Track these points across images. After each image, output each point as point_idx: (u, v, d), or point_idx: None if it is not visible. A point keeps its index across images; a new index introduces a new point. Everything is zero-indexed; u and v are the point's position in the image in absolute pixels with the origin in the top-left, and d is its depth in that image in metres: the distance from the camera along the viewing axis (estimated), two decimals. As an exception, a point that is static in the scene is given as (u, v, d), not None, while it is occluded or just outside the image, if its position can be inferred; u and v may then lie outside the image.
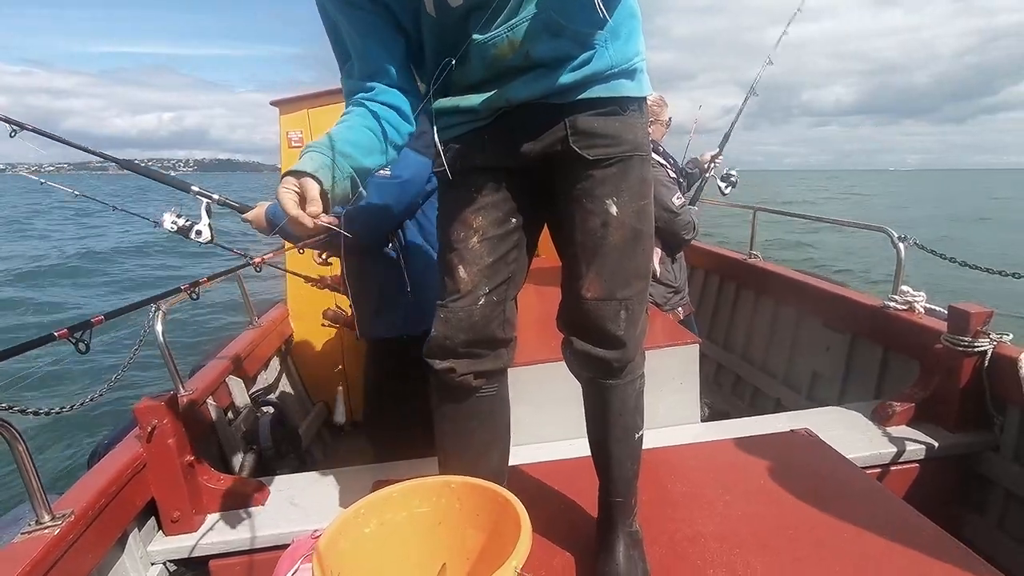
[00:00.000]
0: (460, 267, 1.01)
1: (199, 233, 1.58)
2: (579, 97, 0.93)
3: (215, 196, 1.59)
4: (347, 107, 0.98)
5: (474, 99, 0.95)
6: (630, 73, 0.96)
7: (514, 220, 1.03)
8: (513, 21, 0.87)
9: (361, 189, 0.92)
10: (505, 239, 1.03)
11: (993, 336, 1.63)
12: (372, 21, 0.94)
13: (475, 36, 0.89)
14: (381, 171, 1.62)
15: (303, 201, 0.82)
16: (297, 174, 0.83)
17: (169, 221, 1.57)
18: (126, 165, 1.79)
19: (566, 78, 0.91)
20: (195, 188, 1.61)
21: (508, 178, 1.01)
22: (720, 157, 2.66)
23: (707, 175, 2.65)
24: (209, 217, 1.57)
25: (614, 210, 0.97)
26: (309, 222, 0.82)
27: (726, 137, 2.79)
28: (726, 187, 2.60)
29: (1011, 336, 1.64)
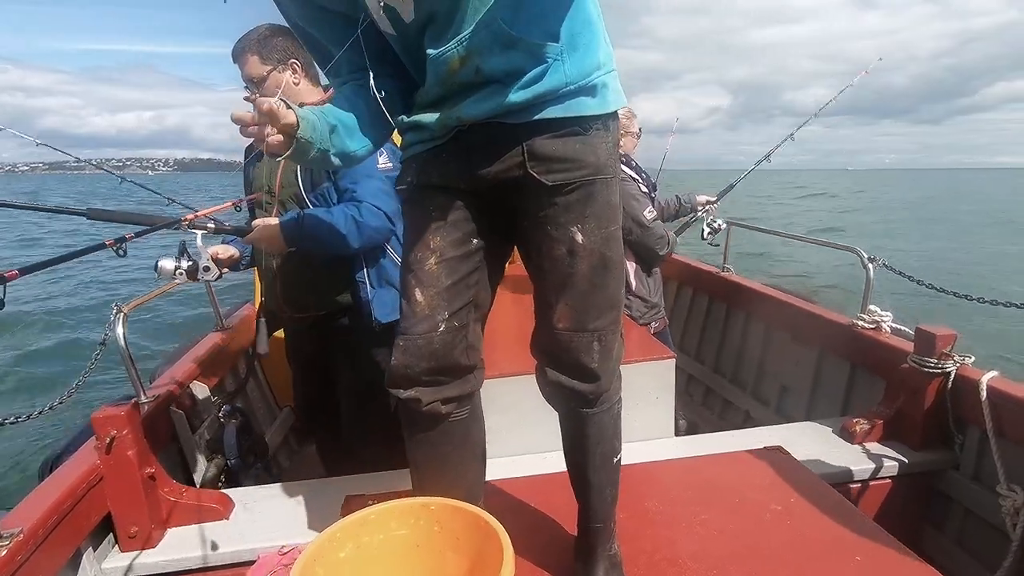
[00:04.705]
0: (417, 290, 0.97)
1: (207, 270, 1.43)
2: (535, 118, 0.88)
3: (210, 225, 1.44)
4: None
5: (430, 117, 0.92)
6: (590, 89, 0.90)
7: (475, 241, 0.99)
8: (463, 34, 0.84)
9: (336, 161, 0.94)
10: (465, 260, 0.99)
11: (957, 358, 1.68)
12: (341, 27, 0.91)
13: (428, 51, 0.86)
14: (385, 164, 1.57)
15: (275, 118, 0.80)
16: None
17: (173, 268, 1.40)
18: (97, 215, 1.46)
19: (518, 95, 0.86)
20: (187, 219, 1.43)
21: (467, 198, 0.97)
22: (715, 205, 2.75)
23: (698, 214, 2.75)
24: (207, 251, 1.43)
25: (580, 238, 0.93)
26: (266, 113, 0.79)
27: (729, 187, 2.89)
28: (708, 232, 2.70)
29: (973, 359, 1.69)
